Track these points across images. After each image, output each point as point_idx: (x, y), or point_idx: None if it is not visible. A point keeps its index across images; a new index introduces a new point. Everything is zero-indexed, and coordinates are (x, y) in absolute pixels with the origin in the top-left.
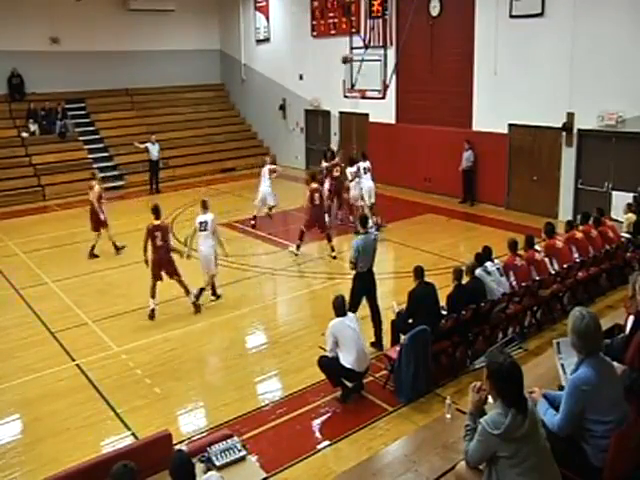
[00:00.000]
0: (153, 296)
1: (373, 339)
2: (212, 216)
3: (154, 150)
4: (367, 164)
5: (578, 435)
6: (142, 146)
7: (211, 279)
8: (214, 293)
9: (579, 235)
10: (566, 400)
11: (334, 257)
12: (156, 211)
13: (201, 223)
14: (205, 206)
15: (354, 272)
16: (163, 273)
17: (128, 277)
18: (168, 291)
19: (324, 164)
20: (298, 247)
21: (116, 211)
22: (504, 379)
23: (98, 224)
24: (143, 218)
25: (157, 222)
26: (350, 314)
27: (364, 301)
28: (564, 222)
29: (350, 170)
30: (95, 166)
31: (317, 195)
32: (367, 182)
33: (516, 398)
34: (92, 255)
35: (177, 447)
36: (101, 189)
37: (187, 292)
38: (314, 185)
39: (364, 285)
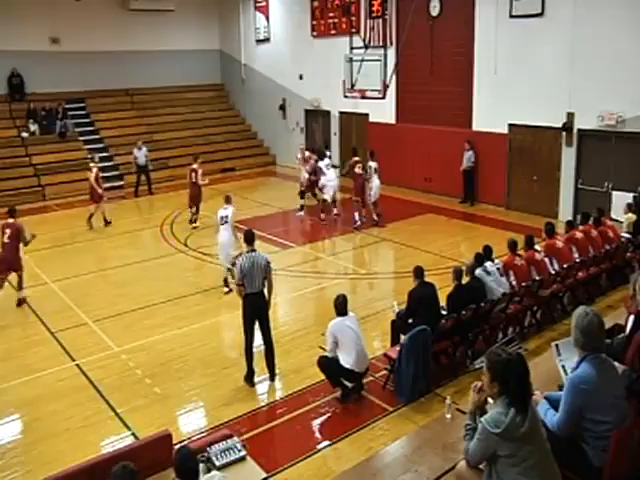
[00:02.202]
0: None
1: (270, 369)
2: (233, 210)
3: (141, 156)
4: (375, 164)
5: (578, 435)
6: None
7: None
8: (226, 284)
9: (579, 235)
10: (565, 399)
11: (193, 227)
12: (11, 211)
13: (222, 217)
14: (228, 201)
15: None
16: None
17: (128, 277)
18: (168, 291)
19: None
20: (195, 220)
21: (116, 211)
22: (514, 373)
23: (96, 197)
24: (142, 219)
25: (10, 220)
26: (351, 314)
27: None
28: (564, 222)
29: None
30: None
31: (193, 174)
32: (375, 181)
33: (521, 394)
34: (90, 223)
35: (179, 445)
36: (98, 170)
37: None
38: (193, 166)
39: (253, 309)
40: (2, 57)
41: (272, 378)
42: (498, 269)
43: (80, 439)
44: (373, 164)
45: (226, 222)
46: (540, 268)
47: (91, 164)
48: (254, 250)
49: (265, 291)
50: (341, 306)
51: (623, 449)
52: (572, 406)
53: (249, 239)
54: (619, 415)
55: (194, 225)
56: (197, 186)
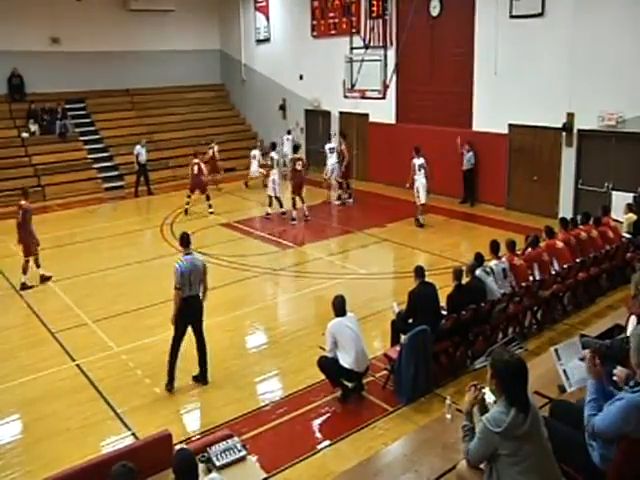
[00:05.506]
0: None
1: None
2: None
3: (143, 153)
4: (421, 161)
5: (588, 437)
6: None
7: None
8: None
9: (581, 234)
10: (617, 414)
11: (211, 212)
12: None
13: (419, 166)
14: (418, 151)
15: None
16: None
17: (128, 277)
18: (168, 291)
19: (273, 154)
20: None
21: (116, 211)
22: (511, 375)
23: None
24: (142, 219)
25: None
26: (350, 314)
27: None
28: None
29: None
30: (95, 166)
31: (195, 168)
32: (420, 179)
33: (520, 395)
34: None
35: (179, 446)
36: (214, 152)
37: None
38: (194, 160)
39: (190, 313)
40: (2, 57)
41: (205, 382)
42: (504, 270)
43: (80, 439)
44: (417, 161)
45: (423, 169)
46: (544, 267)
47: (210, 150)
48: (190, 253)
49: (200, 294)
50: (339, 306)
51: (631, 454)
52: (619, 426)
53: (185, 242)
54: None
55: (210, 210)
56: (199, 178)
